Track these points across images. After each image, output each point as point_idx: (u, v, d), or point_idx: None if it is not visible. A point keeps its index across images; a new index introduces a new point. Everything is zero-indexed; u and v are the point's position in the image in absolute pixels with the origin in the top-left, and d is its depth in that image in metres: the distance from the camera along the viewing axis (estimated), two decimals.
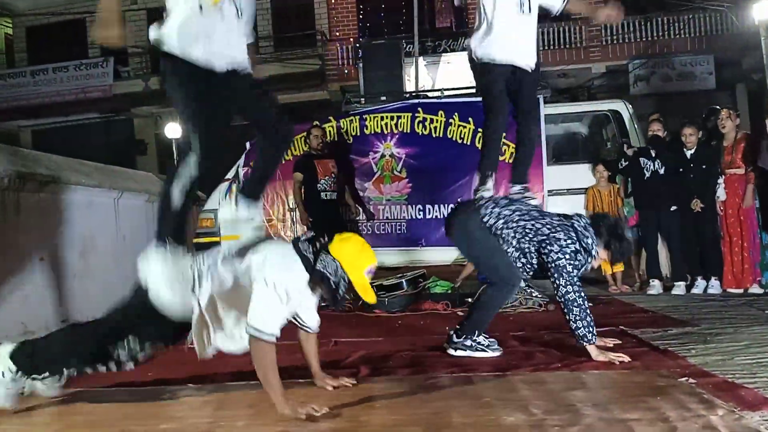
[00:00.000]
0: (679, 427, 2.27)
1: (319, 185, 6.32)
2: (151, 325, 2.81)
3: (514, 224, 3.51)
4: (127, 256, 6.52)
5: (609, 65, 14.34)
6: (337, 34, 15.85)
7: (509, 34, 4.16)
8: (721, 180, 5.84)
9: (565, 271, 3.36)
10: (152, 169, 13.77)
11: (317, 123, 6.76)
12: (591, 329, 3.36)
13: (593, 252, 3.44)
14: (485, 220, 3.55)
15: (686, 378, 2.90)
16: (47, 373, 2.75)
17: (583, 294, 3.39)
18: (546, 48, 13.89)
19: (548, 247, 3.39)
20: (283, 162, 6.92)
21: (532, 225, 3.49)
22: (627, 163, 6.25)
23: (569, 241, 3.41)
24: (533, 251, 3.47)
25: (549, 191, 6.49)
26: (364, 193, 6.83)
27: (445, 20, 15.67)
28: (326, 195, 6.34)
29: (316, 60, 15.44)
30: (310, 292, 2.73)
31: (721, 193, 5.86)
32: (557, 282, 3.38)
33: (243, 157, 7.09)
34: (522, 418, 2.48)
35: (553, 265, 3.37)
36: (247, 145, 7.19)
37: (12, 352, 2.76)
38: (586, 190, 6.55)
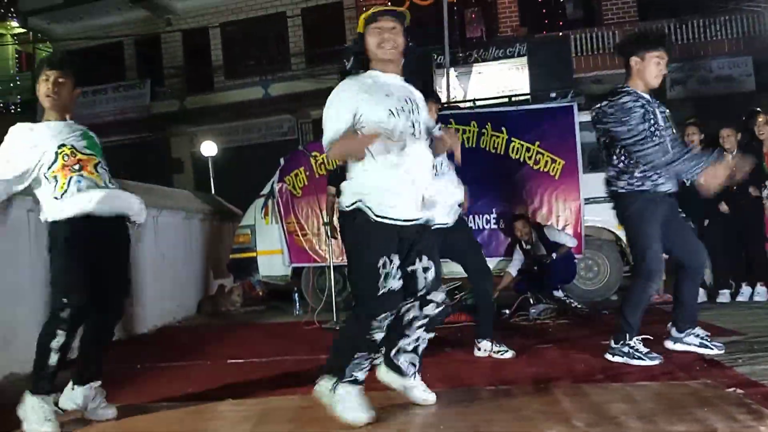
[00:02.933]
0: None
1: None
2: None
3: None
4: (165, 273, 6.66)
5: None
6: None
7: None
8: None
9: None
10: (189, 186, 14.01)
11: None
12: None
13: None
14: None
15: (734, 388, 2.83)
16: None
17: None
18: (579, 54, 13.74)
19: None
20: (317, 177, 7.00)
21: None
22: None
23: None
24: None
25: (586, 199, 6.40)
26: None
27: (475, 30, 15.62)
28: None
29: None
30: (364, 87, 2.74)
31: (766, 197, 5.71)
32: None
33: (277, 172, 7.16)
34: (564, 431, 2.44)
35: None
36: (281, 161, 7.27)
37: None
38: None
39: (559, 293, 5.98)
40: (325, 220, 6.54)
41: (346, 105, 2.70)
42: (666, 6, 14.09)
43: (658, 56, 3.62)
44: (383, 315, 2.61)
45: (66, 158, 2.94)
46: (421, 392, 2.90)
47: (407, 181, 2.67)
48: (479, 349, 4.04)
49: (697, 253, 3.67)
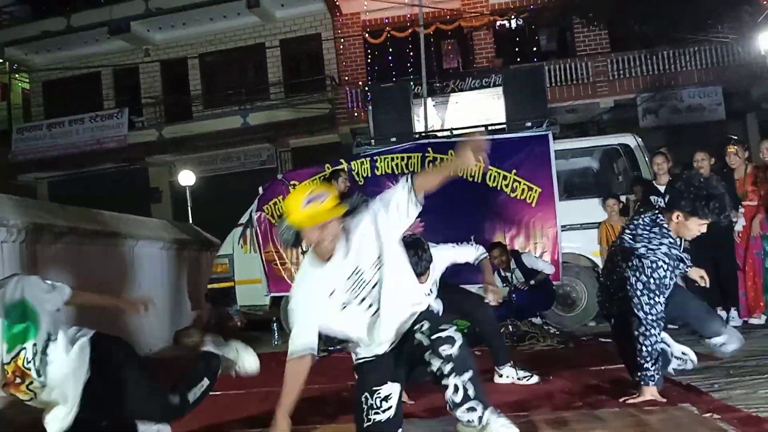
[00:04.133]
0: None
1: None
2: None
3: None
4: None
5: (617, 99, 14.39)
6: (346, 78, 16.09)
7: None
8: (741, 210, 5.80)
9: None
10: (167, 216, 13.91)
11: (344, 166, 6.78)
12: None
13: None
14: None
15: (710, 413, 2.84)
16: None
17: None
18: (553, 84, 14.01)
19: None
20: None
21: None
22: (638, 204, 6.27)
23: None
24: None
25: (562, 227, 6.47)
26: None
27: (451, 61, 15.88)
28: None
29: (326, 104, 15.63)
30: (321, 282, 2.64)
31: (739, 223, 5.81)
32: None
33: (256, 201, 7.15)
34: None
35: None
36: (260, 189, 7.25)
37: None
38: (599, 224, 6.51)
39: (537, 320, 6.00)
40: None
41: (307, 313, 2.65)
42: (637, 38, 14.44)
43: None
44: None
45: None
46: (499, 427, 2.48)
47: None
48: (501, 376, 3.99)
49: None
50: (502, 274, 6.26)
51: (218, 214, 9.65)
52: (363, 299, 2.60)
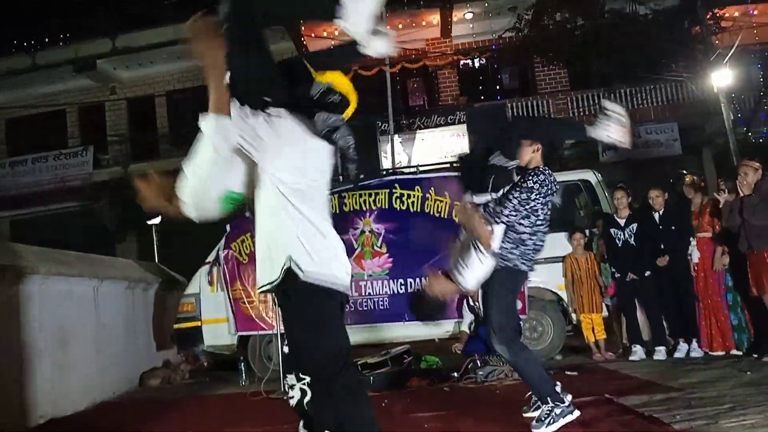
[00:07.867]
0: None
1: None
2: None
3: None
4: (106, 345, 6.44)
5: None
6: None
7: None
8: (693, 242, 5.98)
9: None
10: (132, 255, 13.70)
11: None
12: None
13: None
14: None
15: None
16: None
17: None
18: None
19: None
20: None
21: None
22: (599, 237, 6.49)
23: None
24: None
25: None
26: None
27: (417, 99, 16.18)
28: None
29: None
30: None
31: (694, 255, 5.98)
32: None
33: (223, 239, 7.12)
34: None
35: None
36: (227, 227, 7.23)
37: None
38: (564, 258, 6.64)
39: None
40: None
41: None
42: (595, 76, 14.94)
43: None
44: None
45: None
46: None
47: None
48: None
49: None
50: (471, 304, 6.32)
51: (185, 253, 9.55)
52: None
